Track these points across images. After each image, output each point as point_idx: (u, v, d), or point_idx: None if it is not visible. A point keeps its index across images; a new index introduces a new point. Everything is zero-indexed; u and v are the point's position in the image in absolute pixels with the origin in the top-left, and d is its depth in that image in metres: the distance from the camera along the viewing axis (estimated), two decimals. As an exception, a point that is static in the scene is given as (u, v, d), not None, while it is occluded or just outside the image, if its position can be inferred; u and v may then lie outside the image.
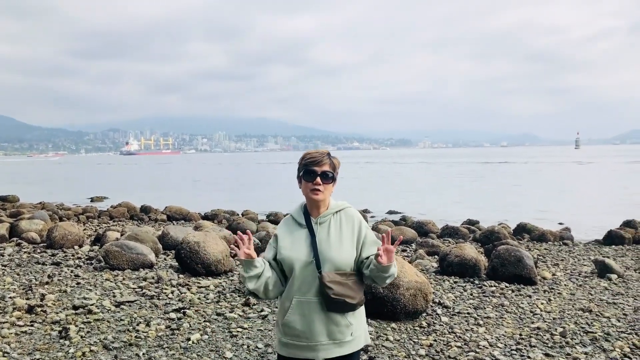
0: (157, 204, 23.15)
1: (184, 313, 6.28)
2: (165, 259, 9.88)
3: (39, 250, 10.69)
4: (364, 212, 21.60)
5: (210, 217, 20.41)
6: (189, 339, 5.39)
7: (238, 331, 5.70)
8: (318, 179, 2.67)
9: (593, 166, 69.16)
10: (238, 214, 21.02)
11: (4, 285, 7.56)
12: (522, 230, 15.36)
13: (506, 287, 8.00)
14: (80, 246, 11.29)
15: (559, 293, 7.75)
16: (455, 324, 6.12)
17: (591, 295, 7.69)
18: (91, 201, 30.43)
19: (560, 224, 18.56)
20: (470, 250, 8.93)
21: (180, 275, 8.30)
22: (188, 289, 7.48)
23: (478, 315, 6.45)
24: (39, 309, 6.28)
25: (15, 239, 12.07)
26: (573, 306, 6.97)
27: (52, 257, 9.90)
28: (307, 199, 2.75)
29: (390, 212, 22.95)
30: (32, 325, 5.77)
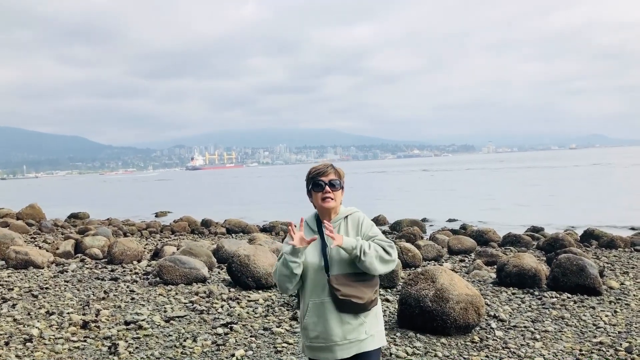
0: (218, 217, 23.57)
1: (231, 328, 6.27)
2: (219, 273, 9.97)
3: (100, 266, 11.04)
4: (423, 221, 21.17)
5: (268, 229, 20.59)
6: (233, 355, 5.37)
7: (283, 347, 5.63)
8: (327, 188, 2.92)
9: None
10: (296, 225, 21.07)
11: (64, 301, 7.81)
12: (589, 237, 14.60)
13: (568, 298, 7.57)
14: (139, 261, 11.59)
15: (626, 304, 7.25)
16: (510, 338, 5.81)
17: (663, 306, 7.15)
18: (156, 216, 31.36)
19: (633, 229, 17.54)
20: (530, 260, 8.52)
21: (232, 289, 8.34)
22: (238, 303, 7.49)
23: (535, 329, 6.11)
24: (92, 325, 6.44)
25: (79, 255, 12.54)
26: (642, 318, 6.49)
27: (111, 273, 10.20)
28: (319, 209, 3.00)
29: (450, 220, 22.43)
30: (85, 341, 5.91)
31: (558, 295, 7.67)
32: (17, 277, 9.79)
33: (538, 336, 5.84)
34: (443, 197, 36.42)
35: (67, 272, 10.36)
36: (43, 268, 10.82)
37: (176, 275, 8.88)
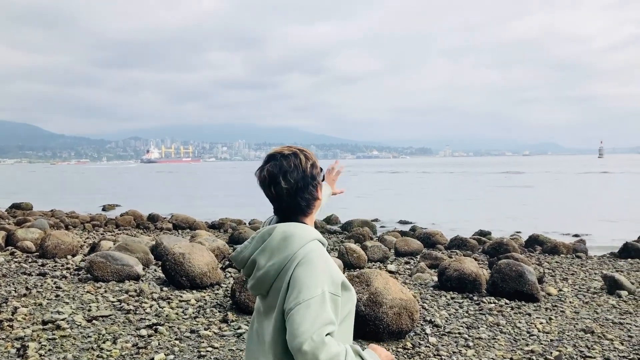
0: (168, 212, 22.99)
1: (156, 330, 5.95)
2: (155, 271, 9.57)
3: (30, 260, 10.48)
4: (374, 222, 21.13)
5: (217, 226, 20.16)
6: (152, 359, 5.06)
7: (208, 351, 5.35)
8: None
9: (615, 176, 67.62)
10: (245, 223, 20.74)
11: (-19, 297, 7.31)
12: (534, 242, 14.79)
13: (506, 304, 7.53)
14: (74, 256, 11.06)
15: (562, 311, 7.26)
16: (443, 345, 5.69)
17: (597, 313, 7.20)
18: (103, 209, 30.41)
19: (576, 235, 17.92)
20: (470, 264, 8.47)
21: (165, 288, 7.98)
22: (168, 303, 7.15)
23: (469, 336, 6.01)
24: (6, 324, 6.00)
25: (10, 247, 11.90)
26: (575, 326, 6.49)
27: (41, 268, 9.67)
28: (318, 208, 2.06)
29: (401, 222, 22.48)
30: (-7, 342, 5.49)
31: (496, 301, 7.63)
32: (-64, 269, 9.17)
33: (471, 343, 5.74)
34: (397, 199, 36.64)
35: (-8, 265, 9.78)
36: (-33, 261, 10.19)
37: (107, 272, 8.45)
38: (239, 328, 6.10)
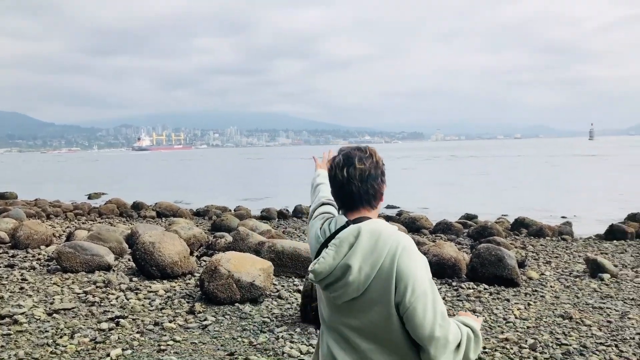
0: (155, 200, 22.68)
1: (117, 323, 5.70)
2: (129, 260, 9.31)
3: (1, 251, 10.18)
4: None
5: (201, 213, 19.90)
6: (108, 355, 4.82)
7: (168, 344, 5.12)
8: None
9: (606, 158, 67.75)
10: (231, 210, 20.47)
11: (-58, 291, 7.03)
12: (520, 225, 14.65)
13: (485, 289, 7.36)
14: (48, 246, 10.77)
15: (541, 296, 7.08)
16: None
17: (577, 298, 7.02)
18: (88, 198, 30.05)
19: (563, 217, 17.81)
20: (450, 249, 8.27)
21: (135, 279, 7.73)
22: (136, 294, 6.91)
23: (443, 324, 5.80)
24: (-40, 319, 5.74)
25: (-17, 238, 11.58)
26: (553, 312, 6.30)
27: (11, 259, 9.38)
28: (380, 209, 2.10)
29: (389, 207, 22.28)
30: (-56, 338, 5.23)
31: (475, 287, 7.44)
32: None
33: (444, 332, 5.53)
34: (388, 183, 36.39)
35: (-39, 257, 9.48)
36: (-64, 252, 9.89)
37: (76, 262, 8.18)
38: (205, 319, 5.86)
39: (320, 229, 1.99)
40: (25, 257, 9.61)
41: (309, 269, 1.88)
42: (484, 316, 6.07)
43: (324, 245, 1.91)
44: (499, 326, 5.76)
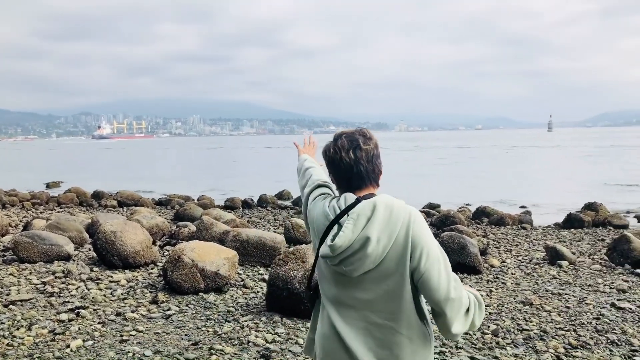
0: (115, 189, 22.21)
1: (78, 314, 5.56)
2: (90, 250, 9.09)
3: (-47, 241, 9.81)
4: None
5: (164, 202, 19.59)
6: (68, 346, 4.69)
7: (131, 335, 5.01)
8: None
9: (564, 149, 69.59)
10: (194, 199, 20.21)
11: None
12: (481, 214, 14.92)
13: (448, 277, 7.44)
14: (3, 236, 10.43)
15: (503, 283, 7.23)
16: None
17: (537, 284, 7.19)
18: (47, 187, 29.23)
19: (523, 207, 18.21)
20: (414, 238, 8.33)
21: (95, 269, 7.56)
22: (97, 284, 6.75)
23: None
24: None
25: None
26: (514, 298, 6.44)
27: (-36, 249, 9.06)
28: None
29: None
30: None
31: (439, 274, 7.53)
32: None
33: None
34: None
35: None
36: None
37: (34, 252, 7.94)
38: (169, 309, 5.77)
39: (329, 207, 2.03)
40: (-21, 247, 9.28)
41: (328, 244, 1.92)
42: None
43: (334, 222, 1.97)
44: (462, 313, 5.84)
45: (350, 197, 2.00)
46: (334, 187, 2.20)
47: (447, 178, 31.65)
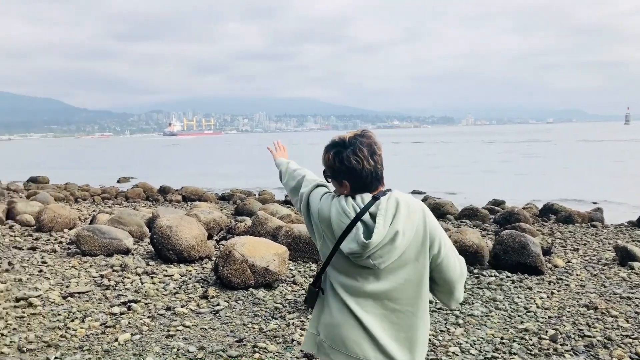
0: (182, 184, 22.82)
1: (129, 307, 5.67)
2: (148, 244, 9.31)
3: (26, 234, 10.31)
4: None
5: (226, 197, 19.95)
6: (116, 340, 4.78)
7: (178, 330, 5.06)
8: None
9: (642, 142, 65.74)
10: (255, 194, 20.46)
11: (-37, 273, 7.12)
12: (548, 211, 14.25)
13: (507, 277, 7.11)
14: (71, 229, 10.88)
15: (566, 285, 6.82)
16: (430, 323, 5.29)
17: (604, 287, 6.74)
18: (118, 182, 30.46)
19: (594, 203, 17.28)
20: (472, 235, 8.03)
21: (151, 262, 7.72)
22: (151, 278, 6.88)
23: (461, 312, 5.61)
24: (-23, 301, 5.78)
25: (10, 221, 11.77)
26: (578, 302, 6.04)
27: (34, 242, 9.49)
28: None
29: (414, 192, 21.98)
30: (-41, 320, 5.26)
31: (497, 274, 7.21)
32: None
33: (461, 321, 5.35)
34: (413, 169, 36.02)
35: (-14, 240, 9.62)
36: (-37, 235, 10.06)
37: (95, 245, 8.21)
38: (217, 305, 5.79)
39: (347, 205, 2.12)
40: (48, 240, 9.71)
41: (361, 240, 2.03)
42: (502, 306, 5.85)
43: (356, 220, 2.08)
44: (519, 315, 5.54)
45: (367, 195, 2.13)
46: (330, 186, 2.31)
47: (515, 174, 30.53)
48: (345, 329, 2.15)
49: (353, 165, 2.09)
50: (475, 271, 7.42)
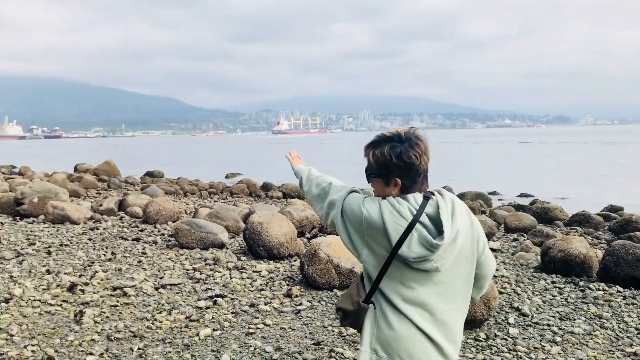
0: (285, 181, 23.28)
1: (215, 302, 5.75)
2: (242, 240, 9.50)
3: (133, 225, 10.92)
4: (491, 195, 19.84)
5: (325, 195, 20.05)
6: (197, 334, 4.84)
7: (258, 328, 5.04)
8: None
9: None
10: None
11: (71, 260, 7.62)
12: (674, 220, 12.84)
13: (618, 292, 6.43)
14: (174, 222, 11.38)
15: (689, 305, 6.04)
16: (524, 338, 4.88)
17: None
18: (225, 177, 31.67)
19: None
20: (579, 244, 7.37)
21: (243, 258, 7.85)
22: (240, 273, 6.97)
23: (560, 329, 5.12)
24: (78, 288, 6.13)
25: (121, 212, 12.55)
26: (702, 325, 5.31)
27: (139, 233, 10.02)
28: None
29: (522, 195, 20.83)
30: (60, 305, 5.60)
31: (607, 288, 6.55)
32: (48, 232, 9.81)
33: (559, 338, 4.87)
34: (523, 171, 34.20)
35: (98, 229, 10.29)
36: (79, 224, 10.84)
37: (192, 239, 8.50)
38: (300, 304, 5.72)
39: (402, 208, 2.02)
40: (152, 232, 10.21)
41: (430, 242, 1.96)
42: (609, 325, 5.27)
43: (414, 222, 1.99)
44: (628, 337, 4.96)
45: (418, 195, 2.06)
46: (366, 190, 2.26)
47: (638, 178, 28.03)
48: (410, 342, 2.05)
49: (412, 161, 2.02)
50: (581, 284, 6.79)
